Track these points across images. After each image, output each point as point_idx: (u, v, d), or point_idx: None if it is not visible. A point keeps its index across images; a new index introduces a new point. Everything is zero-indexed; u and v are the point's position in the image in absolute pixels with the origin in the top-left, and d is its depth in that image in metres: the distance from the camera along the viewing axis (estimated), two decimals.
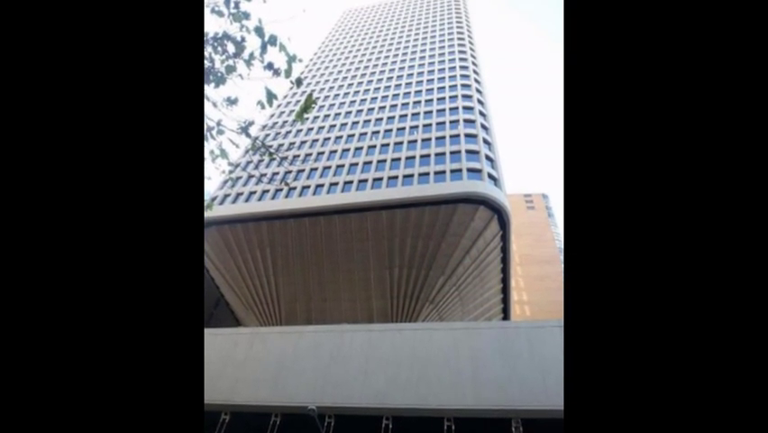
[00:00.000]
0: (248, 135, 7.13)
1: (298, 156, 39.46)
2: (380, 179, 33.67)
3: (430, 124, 38.60)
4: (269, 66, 6.81)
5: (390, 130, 39.66)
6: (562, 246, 67.67)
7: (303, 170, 37.16)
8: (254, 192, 35.90)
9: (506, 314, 38.98)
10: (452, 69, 47.22)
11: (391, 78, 49.85)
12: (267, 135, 44.07)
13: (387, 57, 55.78)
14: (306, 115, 8.05)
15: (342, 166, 36.51)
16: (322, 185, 34.85)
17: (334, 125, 43.14)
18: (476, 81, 44.71)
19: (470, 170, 31.84)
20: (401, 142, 37.41)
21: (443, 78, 45.94)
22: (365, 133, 40.32)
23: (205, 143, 6.77)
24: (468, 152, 33.67)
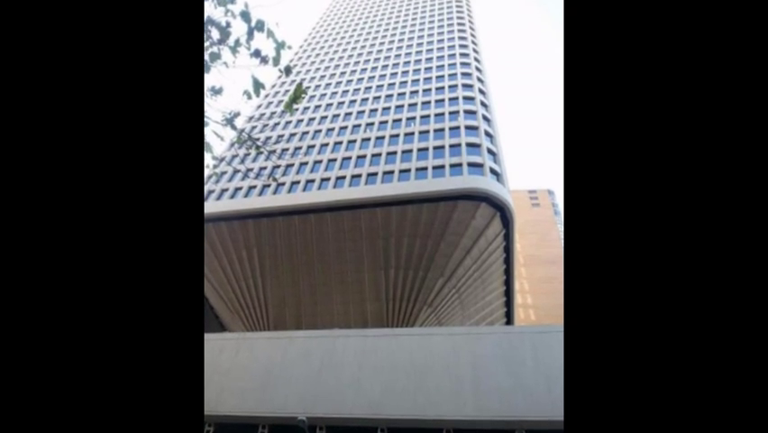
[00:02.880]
0: (233, 127, 7.10)
1: (287, 150, 39.37)
2: (375, 174, 33.66)
3: (428, 116, 38.60)
4: (257, 53, 6.77)
5: (386, 122, 39.64)
6: None
7: (292, 165, 37.09)
8: (240, 188, 35.82)
9: (509, 318, 39.17)
10: (452, 56, 47.23)
11: (386, 65, 49.80)
12: (254, 127, 43.91)
13: (382, 43, 55.71)
14: (295, 106, 8.03)
15: (335, 160, 36.47)
16: (312, 180, 34.81)
17: (326, 117, 43.06)
18: (477, 70, 44.75)
19: (470, 164, 31.90)
20: (397, 135, 37.40)
21: (443, 65, 45.94)
22: (359, 125, 40.28)
23: None
24: (468, 145, 33.73)
